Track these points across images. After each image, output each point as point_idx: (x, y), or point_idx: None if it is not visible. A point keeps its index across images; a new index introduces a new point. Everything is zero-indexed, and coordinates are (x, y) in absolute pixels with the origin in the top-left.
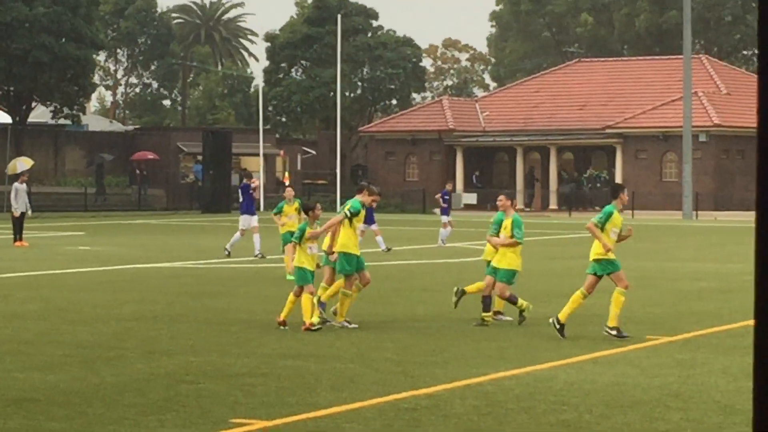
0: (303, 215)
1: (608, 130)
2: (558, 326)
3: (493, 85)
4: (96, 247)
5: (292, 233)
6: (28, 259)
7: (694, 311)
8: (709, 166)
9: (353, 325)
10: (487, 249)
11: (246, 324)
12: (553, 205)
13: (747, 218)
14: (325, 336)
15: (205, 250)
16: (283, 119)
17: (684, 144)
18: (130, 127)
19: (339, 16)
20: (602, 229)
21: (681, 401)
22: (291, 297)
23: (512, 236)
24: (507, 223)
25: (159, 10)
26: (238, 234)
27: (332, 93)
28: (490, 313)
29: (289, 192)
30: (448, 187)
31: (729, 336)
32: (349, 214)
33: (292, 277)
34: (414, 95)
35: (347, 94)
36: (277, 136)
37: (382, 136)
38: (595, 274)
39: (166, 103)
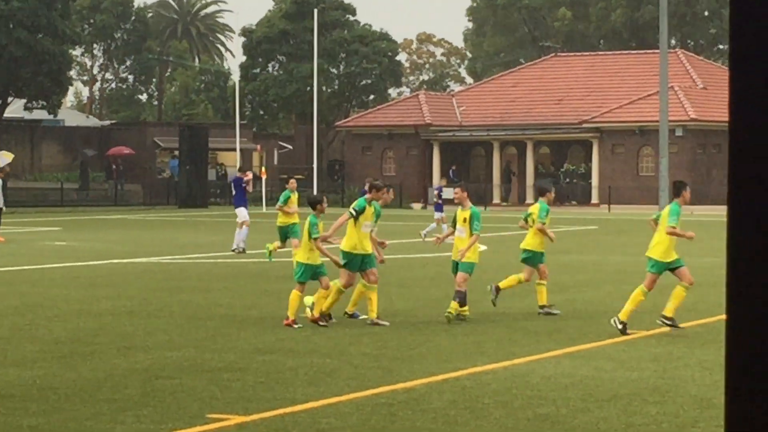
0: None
1: (585, 125)
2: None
3: (469, 80)
4: (72, 242)
5: (288, 226)
6: (4, 254)
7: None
8: (686, 160)
9: (384, 322)
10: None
11: (223, 319)
12: (530, 200)
13: (723, 212)
14: (302, 331)
15: (181, 245)
16: (260, 114)
17: (660, 138)
18: (107, 122)
19: (316, 11)
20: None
21: (658, 395)
22: (321, 292)
23: (471, 231)
24: (465, 215)
25: (136, 5)
26: (245, 229)
27: (309, 88)
28: (466, 307)
29: (293, 183)
30: (443, 182)
31: (706, 330)
32: (354, 213)
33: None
34: (390, 90)
35: (324, 88)
36: (254, 130)
37: (359, 131)
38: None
39: (143, 98)
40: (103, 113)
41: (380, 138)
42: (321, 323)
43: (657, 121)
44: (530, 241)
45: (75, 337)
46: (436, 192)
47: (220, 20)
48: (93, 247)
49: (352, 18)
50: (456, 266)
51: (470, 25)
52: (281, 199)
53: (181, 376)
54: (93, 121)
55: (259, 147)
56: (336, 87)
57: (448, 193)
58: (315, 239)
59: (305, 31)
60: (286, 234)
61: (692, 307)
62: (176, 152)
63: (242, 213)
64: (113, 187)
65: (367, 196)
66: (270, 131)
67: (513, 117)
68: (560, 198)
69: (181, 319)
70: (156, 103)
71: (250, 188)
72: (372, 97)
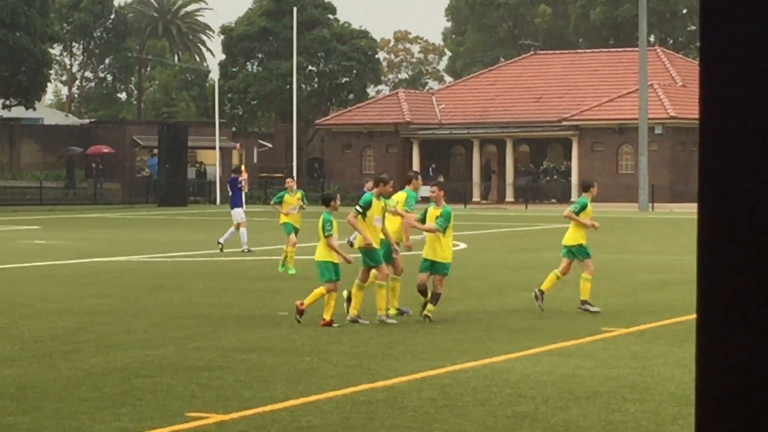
0: (303, 207)
1: (564, 123)
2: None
3: (448, 77)
4: (52, 241)
5: (290, 224)
6: None
7: (651, 303)
8: (665, 158)
9: (391, 320)
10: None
11: (202, 318)
12: (509, 198)
13: None
14: (282, 330)
15: (161, 244)
16: (240, 112)
17: (640, 136)
18: (86, 121)
19: (295, 9)
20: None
21: (637, 393)
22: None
23: (435, 222)
24: (437, 213)
25: (116, 3)
26: (243, 230)
27: (288, 86)
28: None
29: (291, 183)
30: (440, 179)
31: (685, 328)
32: (360, 209)
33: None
34: (369, 89)
35: (304, 87)
36: (234, 129)
37: (339, 129)
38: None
39: (122, 96)
40: (83, 112)
41: (360, 136)
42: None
43: (636, 119)
44: (571, 235)
45: (54, 335)
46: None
47: (200, 19)
48: (72, 246)
49: (331, 16)
50: (431, 265)
51: (449, 24)
52: (275, 198)
53: (161, 375)
54: (72, 120)
55: (238, 145)
56: (315, 85)
57: (426, 191)
58: (328, 236)
59: (285, 29)
60: (290, 229)
61: (671, 305)
62: (155, 151)
63: (239, 214)
64: (92, 186)
65: (374, 190)
66: (250, 129)
67: (492, 115)
68: (540, 196)
69: (161, 317)
70: (135, 101)
71: (245, 188)
72: (351, 95)
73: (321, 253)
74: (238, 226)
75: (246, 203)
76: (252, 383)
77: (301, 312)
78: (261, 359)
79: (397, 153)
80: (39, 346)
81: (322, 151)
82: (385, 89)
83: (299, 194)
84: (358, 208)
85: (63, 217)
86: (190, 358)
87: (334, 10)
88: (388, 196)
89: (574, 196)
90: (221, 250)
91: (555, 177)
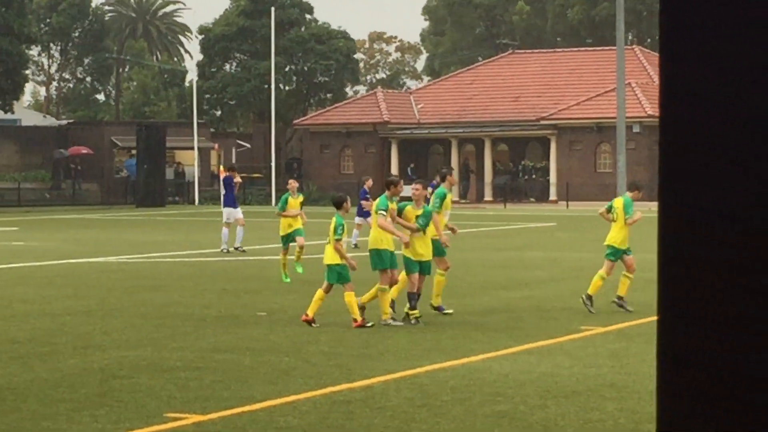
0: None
1: (542, 122)
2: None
3: (427, 78)
4: (30, 242)
5: (289, 235)
6: None
7: (629, 301)
8: (643, 156)
9: (398, 322)
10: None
11: (180, 318)
12: (488, 197)
13: None
14: (260, 330)
15: (139, 244)
16: (218, 113)
17: (618, 135)
18: (64, 122)
19: (273, 9)
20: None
21: (615, 391)
22: (319, 293)
23: (417, 221)
24: (417, 213)
25: (93, 4)
26: (225, 229)
27: (267, 86)
28: (417, 311)
29: (293, 184)
30: (436, 181)
31: None
32: (384, 212)
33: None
34: (347, 88)
35: (282, 87)
36: (212, 130)
37: (317, 129)
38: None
39: (100, 97)
40: (61, 113)
41: (338, 136)
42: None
43: (614, 118)
44: (614, 236)
45: (32, 337)
46: (430, 189)
47: (178, 19)
48: (50, 247)
49: (309, 16)
50: (419, 266)
51: (427, 24)
52: (280, 204)
53: (139, 376)
54: (50, 121)
55: (216, 146)
56: (294, 85)
57: (405, 190)
58: (338, 240)
59: (263, 28)
60: (287, 241)
61: (648, 304)
62: (134, 152)
63: (234, 213)
64: (71, 187)
65: (386, 192)
66: (228, 130)
67: (471, 114)
68: (519, 195)
69: (139, 318)
70: (113, 102)
71: (236, 189)
72: (330, 95)
73: (331, 257)
74: (227, 225)
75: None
76: (230, 383)
77: (360, 323)
78: (239, 359)
79: (375, 153)
80: (17, 348)
81: (300, 151)
82: (362, 89)
83: (301, 197)
84: (382, 212)
85: (41, 218)
86: (169, 358)
87: (311, 10)
88: (420, 198)
89: (552, 195)
90: (226, 251)
91: (534, 176)
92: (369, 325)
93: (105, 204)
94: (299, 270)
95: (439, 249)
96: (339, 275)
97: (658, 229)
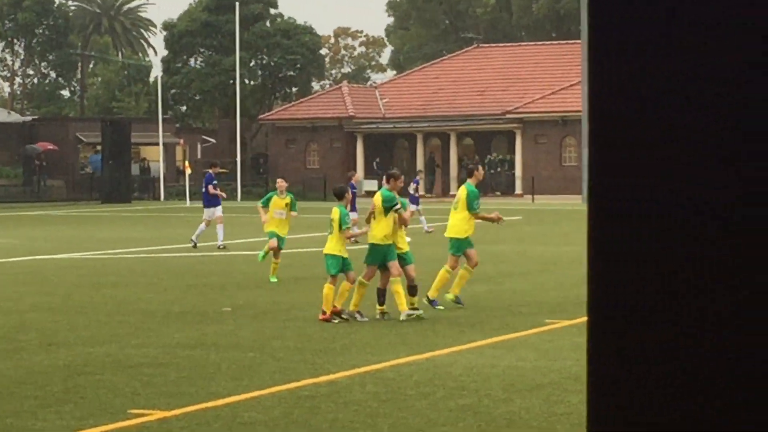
0: (294, 212)
1: (508, 116)
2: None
3: (392, 73)
4: None
5: (277, 235)
6: None
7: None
8: None
9: (364, 318)
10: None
11: (145, 314)
12: (453, 191)
13: None
14: (225, 325)
15: (104, 240)
16: (183, 108)
17: (583, 128)
18: (28, 118)
19: (237, 4)
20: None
21: (580, 384)
22: (345, 285)
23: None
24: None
25: (57, 1)
26: (203, 225)
27: (232, 81)
28: (384, 306)
29: (281, 183)
30: (420, 176)
31: None
32: (397, 206)
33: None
34: (313, 83)
35: (247, 81)
36: (178, 125)
37: (283, 124)
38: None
39: (65, 93)
40: (25, 109)
41: (304, 131)
42: (343, 316)
43: (579, 111)
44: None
45: None
46: (413, 185)
47: (143, 15)
48: (15, 244)
49: (274, 11)
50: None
51: (392, 19)
52: (263, 200)
53: (103, 372)
54: (15, 117)
55: (182, 141)
56: (259, 80)
57: (370, 185)
58: (347, 230)
59: (227, 23)
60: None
61: None
62: (98, 147)
63: (216, 211)
64: (36, 183)
65: (387, 186)
66: (193, 125)
67: (436, 108)
68: (484, 189)
69: (104, 314)
70: (78, 98)
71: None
72: (295, 89)
73: (332, 247)
74: (207, 223)
75: (189, 199)
76: (195, 379)
77: (338, 313)
78: (204, 355)
79: (341, 147)
80: None
81: (266, 146)
82: (328, 84)
83: (288, 198)
84: (389, 205)
85: (5, 214)
86: (133, 355)
87: (275, 5)
88: (399, 192)
89: (518, 189)
90: (223, 247)
91: (499, 170)
92: (335, 321)
93: (70, 200)
94: (273, 279)
95: (458, 246)
96: (344, 262)
97: (587, 224)
